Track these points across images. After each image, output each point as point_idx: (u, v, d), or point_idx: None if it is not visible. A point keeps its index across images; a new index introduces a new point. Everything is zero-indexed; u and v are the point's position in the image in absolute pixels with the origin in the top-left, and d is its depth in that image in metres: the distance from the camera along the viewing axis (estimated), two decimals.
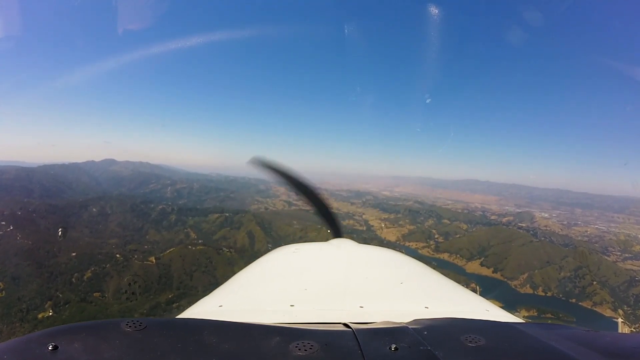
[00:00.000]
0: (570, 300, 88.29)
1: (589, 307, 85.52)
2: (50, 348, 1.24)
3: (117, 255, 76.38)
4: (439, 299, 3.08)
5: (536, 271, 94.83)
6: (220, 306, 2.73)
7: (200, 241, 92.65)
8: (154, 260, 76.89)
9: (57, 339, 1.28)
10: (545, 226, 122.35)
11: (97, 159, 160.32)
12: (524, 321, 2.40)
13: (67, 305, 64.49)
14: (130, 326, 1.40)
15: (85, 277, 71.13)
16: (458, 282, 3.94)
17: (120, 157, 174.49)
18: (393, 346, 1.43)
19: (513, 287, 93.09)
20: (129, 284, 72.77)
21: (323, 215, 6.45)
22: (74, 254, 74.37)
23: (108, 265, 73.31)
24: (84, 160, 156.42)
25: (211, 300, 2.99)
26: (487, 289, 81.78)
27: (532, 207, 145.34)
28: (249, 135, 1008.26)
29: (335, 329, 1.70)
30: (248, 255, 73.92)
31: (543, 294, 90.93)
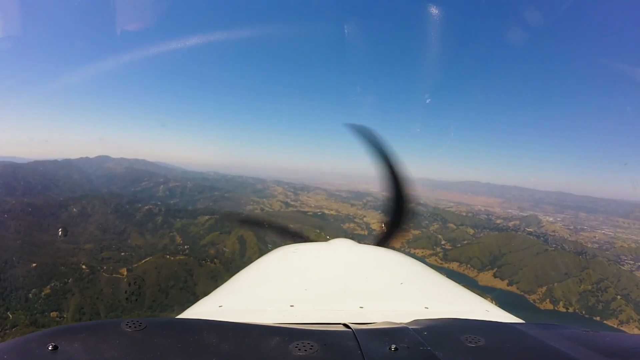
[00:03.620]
0: (594, 318, 75.78)
1: (616, 325, 73.01)
2: (50, 348, 1.21)
3: (83, 267, 62.45)
4: (438, 299, 2.99)
5: (555, 284, 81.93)
6: (220, 306, 2.62)
7: (186, 247, 79.29)
8: (124, 273, 62.91)
9: (57, 339, 1.25)
10: (553, 231, 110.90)
11: (91, 156, 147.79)
12: (524, 321, 2.30)
13: (14, 329, 50.55)
14: (130, 326, 1.37)
15: (43, 293, 57.66)
16: None
17: (116, 154, 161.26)
18: (393, 346, 1.39)
19: (532, 301, 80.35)
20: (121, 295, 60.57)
21: (393, 215, 5.44)
22: (34, 264, 60.50)
23: (70, 280, 59.53)
24: (78, 156, 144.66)
25: (211, 300, 2.89)
26: (504, 304, 67.90)
27: (536, 211, 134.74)
28: (249, 134, 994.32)
29: (335, 329, 1.68)
30: (235, 266, 59.73)
31: (564, 309, 78.35)
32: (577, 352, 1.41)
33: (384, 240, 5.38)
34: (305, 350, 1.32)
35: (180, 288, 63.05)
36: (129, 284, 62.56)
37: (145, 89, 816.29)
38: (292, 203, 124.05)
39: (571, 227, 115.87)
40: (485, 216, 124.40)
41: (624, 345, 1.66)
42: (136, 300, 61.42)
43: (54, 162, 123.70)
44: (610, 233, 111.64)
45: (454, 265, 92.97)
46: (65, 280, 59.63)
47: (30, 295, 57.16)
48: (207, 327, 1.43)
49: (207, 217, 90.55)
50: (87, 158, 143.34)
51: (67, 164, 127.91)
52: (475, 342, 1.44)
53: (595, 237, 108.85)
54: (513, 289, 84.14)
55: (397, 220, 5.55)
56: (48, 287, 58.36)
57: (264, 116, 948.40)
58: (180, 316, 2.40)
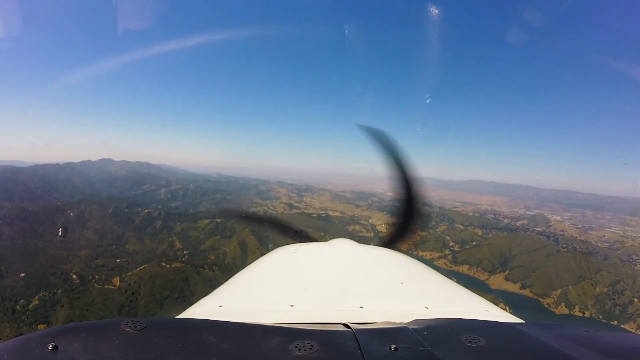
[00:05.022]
0: (611, 322, 70.99)
1: (634, 330, 67.86)
2: (50, 348, 1.20)
3: (74, 276, 57.84)
4: (439, 299, 2.95)
5: (570, 287, 76.99)
6: (220, 306, 2.58)
7: (185, 252, 75.02)
8: (117, 283, 58.31)
9: (57, 339, 1.24)
10: (562, 230, 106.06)
11: (94, 159, 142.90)
12: (524, 321, 2.27)
13: None
14: (130, 326, 1.35)
15: (31, 304, 53.45)
16: None
17: (119, 156, 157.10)
18: (393, 346, 1.38)
19: (546, 305, 75.64)
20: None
21: (402, 217, 5.29)
22: (23, 274, 56.11)
23: (59, 290, 55.10)
24: (81, 159, 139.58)
25: (211, 300, 2.88)
26: (518, 308, 63.84)
27: (543, 209, 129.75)
28: (252, 135, 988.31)
29: (335, 329, 1.67)
30: (235, 273, 55.07)
31: (580, 314, 73.51)
32: (577, 352, 1.39)
33: (390, 242, 5.10)
34: (305, 350, 1.31)
35: (175, 298, 58.35)
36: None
37: (149, 90, 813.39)
38: (296, 205, 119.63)
39: (579, 226, 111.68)
40: (492, 216, 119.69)
41: (624, 345, 1.64)
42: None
43: (55, 166, 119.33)
44: (619, 231, 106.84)
45: (464, 269, 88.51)
46: (55, 290, 55.40)
47: (17, 307, 53.12)
48: (207, 327, 1.42)
49: (207, 220, 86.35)
50: (89, 161, 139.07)
51: (68, 167, 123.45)
52: (475, 342, 1.42)
53: (604, 236, 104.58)
54: (526, 292, 79.67)
55: (406, 222, 5.31)
56: (36, 298, 54.30)
57: (267, 117, 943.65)
58: (180, 316, 2.35)
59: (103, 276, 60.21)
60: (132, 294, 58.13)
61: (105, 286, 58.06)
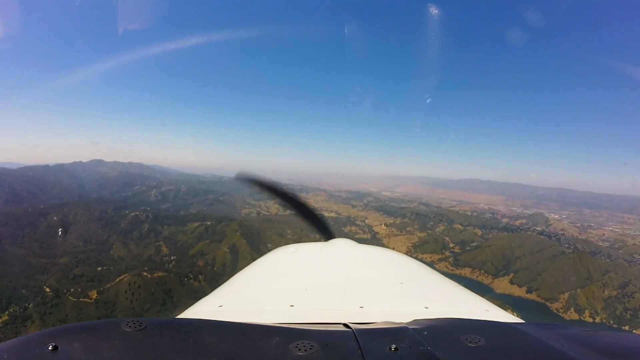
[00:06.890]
0: (622, 327, 66.03)
1: None
2: (50, 348, 1.18)
3: (47, 289, 51.94)
4: (439, 299, 2.92)
5: (578, 290, 71.94)
6: (220, 306, 2.55)
7: (172, 258, 69.29)
8: (94, 296, 52.53)
9: (57, 339, 1.22)
10: (562, 230, 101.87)
11: (85, 160, 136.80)
12: (524, 321, 2.22)
13: None
14: (130, 326, 1.33)
15: (0, 320, 47.65)
16: None
17: (111, 157, 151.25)
18: (393, 346, 1.36)
19: (554, 311, 70.51)
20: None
21: (313, 223, 5.69)
22: None
23: (30, 305, 49.29)
24: (72, 160, 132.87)
25: (211, 300, 2.80)
26: (526, 314, 59.02)
27: (540, 208, 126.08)
28: (248, 135, 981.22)
29: (335, 329, 1.66)
30: (222, 283, 49.42)
31: (591, 319, 68.68)
32: (577, 352, 1.37)
33: (327, 232, 5.38)
34: (305, 350, 1.30)
35: (157, 311, 52.81)
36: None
37: (142, 90, 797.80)
38: None
39: (578, 225, 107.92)
40: (490, 215, 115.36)
41: (624, 345, 1.61)
42: None
43: (45, 167, 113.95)
44: (618, 230, 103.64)
45: (466, 272, 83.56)
46: (26, 305, 49.65)
47: None
48: (207, 327, 1.40)
49: (197, 223, 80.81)
50: (80, 162, 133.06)
51: (59, 169, 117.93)
52: (475, 342, 1.40)
53: (604, 234, 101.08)
54: (533, 296, 74.69)
55: (320, 224, 5.57)
56: (6, 313, 48.59)
57: (263, 117, 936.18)
58: (180, 316, 2.33)
59: (79, 289, 54.52)
60: (110, 307, 52.39)
61: (81, 299, 52.55)
